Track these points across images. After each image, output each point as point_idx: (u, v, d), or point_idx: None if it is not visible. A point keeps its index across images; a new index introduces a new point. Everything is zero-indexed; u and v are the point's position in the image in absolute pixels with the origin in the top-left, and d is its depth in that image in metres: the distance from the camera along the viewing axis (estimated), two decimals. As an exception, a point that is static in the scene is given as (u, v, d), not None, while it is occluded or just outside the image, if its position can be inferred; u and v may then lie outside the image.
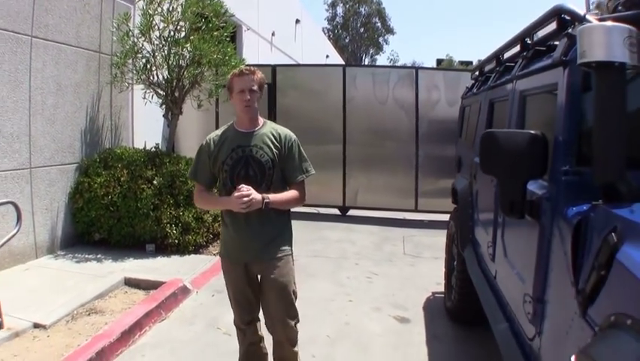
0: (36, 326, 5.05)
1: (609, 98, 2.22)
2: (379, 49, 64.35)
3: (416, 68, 12.12)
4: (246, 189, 3.23)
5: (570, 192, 2.49)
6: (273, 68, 11.81)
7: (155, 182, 7.68)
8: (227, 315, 5.57)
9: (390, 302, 6.23)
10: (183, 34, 8.17)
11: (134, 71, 8.16)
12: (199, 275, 6.78)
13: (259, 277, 3.56)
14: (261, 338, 3.87)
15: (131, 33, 8.02)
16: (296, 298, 3.63)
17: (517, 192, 2.58)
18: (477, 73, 6.17)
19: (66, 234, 7.63)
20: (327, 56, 32.44)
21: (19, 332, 4.87)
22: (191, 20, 8.06)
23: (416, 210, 11.27)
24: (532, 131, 2.55)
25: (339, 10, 63.39)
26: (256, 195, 3.24)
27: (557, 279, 2.45)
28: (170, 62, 8.09)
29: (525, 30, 3.67)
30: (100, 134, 8.48)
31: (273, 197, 3.32)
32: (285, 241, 3.56)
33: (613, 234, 1.97)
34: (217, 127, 11.30)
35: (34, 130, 6.92)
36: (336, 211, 11.68)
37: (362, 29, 62.95)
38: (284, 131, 3.57)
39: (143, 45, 8.13)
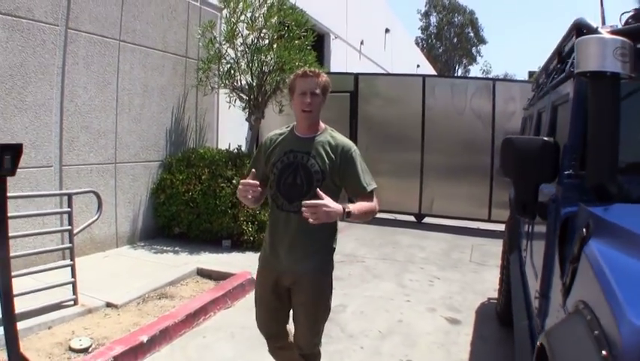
0: (108, 305, 5.40)
1: (602, 106, 2.43)
2: (472, 59, 63.17)
3: (493, 80, 12.09)
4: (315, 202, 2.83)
5: (570, 193, 2.63)
6: (355, 77, 12.05)
7: (234, 181, 7.97)
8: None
9: (446, 304, 6.32)
10: (267, 41, 8.47)
11: (218, 76, 8.53)
12: (268, 269, 6.98)
13: (290, 290, 3.28)
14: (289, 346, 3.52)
15: (215, 40, 8.42)
16: (326, 317, 3.34)
17: (530, 194, 2.79)
18: (534, 85, 6.20)
19: (147, 226, 8.06)
20: (418, 66, 32.24)
21: (92, 309, 5.23)
22: (273, 29, 8.37)
23: (489, 220, 11.19)
24: (545, 138, 2.76)
25: (433, 19, 62.74)
26: (332, 205, 2.82)
27: (555, 274, 2.59)
28: (253, 69, 8.42)
29: (559, 43, 3.83)
30: (184, 134, 8.92)
31: (354, 208, 2.97)
32: (324, 257, 3.24)
33: (584, 229, 2.15)
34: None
35: (120, 128, 7.40)
36: (412, 218, 11.79)
37: (455, 39, 62.02)
38: (343, 141, 3.20)
39: (227, 51, 8.51)
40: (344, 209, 2.87)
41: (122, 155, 7.46)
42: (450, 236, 10.41)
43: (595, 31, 2.67)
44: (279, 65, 8.35)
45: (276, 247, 3.18)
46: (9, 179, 3.59)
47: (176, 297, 5.88)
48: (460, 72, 61.30)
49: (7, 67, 5.57)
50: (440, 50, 62.43)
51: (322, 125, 3.24)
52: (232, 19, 8.32)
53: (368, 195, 3.15)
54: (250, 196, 2.98)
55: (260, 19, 8.35)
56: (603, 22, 3.29)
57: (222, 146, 9.56)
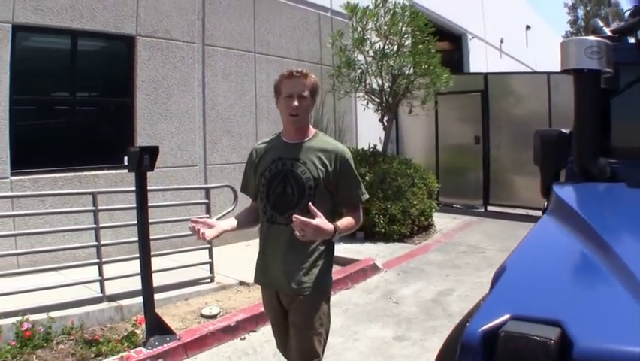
0: (241, 283, 6.14)
1: (582, 98, 2.94)
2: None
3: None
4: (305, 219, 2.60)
5: (570, 177, 3.04)
6: (485, 76, 12.05)
7: (367, 178, 8.44)
8: (404, 289, 6.20)
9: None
10: (396, 47, 8.90)
11: (349, 81, 9.10)
12: (393, 259, 7.41)
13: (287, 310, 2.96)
14: None
15: (345, 48, 9.00)
16: (322, 341, 2.93)
17: (550, 180, 3.17)
18: None
19: (290, 220, 8.79)
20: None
21: (225, 285, 6.01)
22: (399, 35, 8.80)
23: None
24: (562, 130, 3.19)
25: (580, 12, 58.49)
26: (324, 226, 2.62)
27: None
28: (383, 73, 8.89)
29: None
30: (323, 136, 9.55)
31: (342, 225, 2.78)
32: (319, 274, 2.83)
33: (546, 204, 2.57)
34: (437, 131, 11.93)
35: (260, 131, 8.22)
36: (539, 213, 11.32)
37: (604, 31, 57.55)
38: (336, 146, 2.92)
39: (357, 57, 9.06)
40: (335, 229, 2.68)
41: (262, 156, 8.26)
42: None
43: (600, 30, 3.30)
44: (403, 70, 8.76)
45: (269, 265, 2.88)
46: (160, 176, 4.41)
47: (304, 279, 6.47)
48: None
49: (151, 81, 6.57)
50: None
51: (312, 129, 2.95)
52: (359, 27, 8.84)
53: (357, 205, 2.94)
54: (203, 237, 2.66)
55: (383, 27, 8.78)
56: (608, 24, 3.70)
57: (361, 145, 10.07)
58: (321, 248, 2.84)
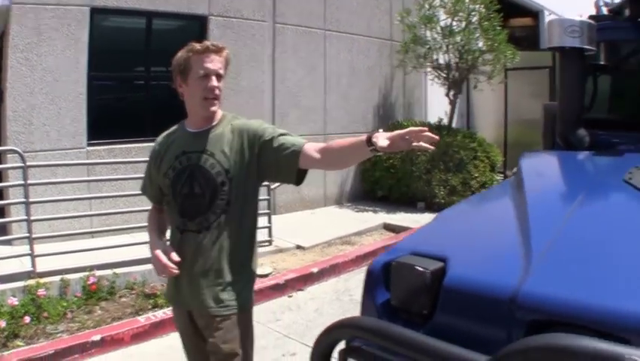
0: (298, 247, 6.70)
1: (564, 74, 3.18)
2: None
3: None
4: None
5: (554, 146, 3.41)
6: (553, 52, 11.75)
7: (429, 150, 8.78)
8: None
9: None
10: (464, 23, 9.10)
11: (416, 57, 9.38)
12: (450, 227, 7.73)
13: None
14: None
15: (412, 25, 9.27)
16: None
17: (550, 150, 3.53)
18: None
19: (354, 189, 9.30)
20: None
21: (283, 249, 6.58)
22: (466, 12, 9.01)
23: None
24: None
25: None
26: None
27: None
28: (450, 49, 9.15)
29: None
30: (392, 109, 9.95)
31: (340, 142, 2.31)
32: (240, 289, 2.39)
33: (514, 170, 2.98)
34: (506, 105, 11.92)
35: (329, 104, 8.71)
36: None
37: None
38: (247, 123, 2.41)
39: (425, 34, 9.33)
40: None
41: (330, 127, 8.77)
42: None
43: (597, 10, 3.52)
44: (470, 46, 8.99)
45: (180, 280, 2.39)
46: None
47: (357, 244, 6.97)
48: None
49: (222, 58, 7.17)
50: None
51: (220, 112, 2.43)
52: (425, 5, 9.11)
53: (309, 146, 2.28)
54: (172, 272, 2.30)
55: (449, 4, 9.00)
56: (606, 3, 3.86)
57: (431, 119, 10.35)
58: (240, 258, 2.40)
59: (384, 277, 2.12)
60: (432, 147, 2.01)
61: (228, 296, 2.34)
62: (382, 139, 2.00)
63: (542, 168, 3.04)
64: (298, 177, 2.33)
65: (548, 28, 3.16)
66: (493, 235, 2.25)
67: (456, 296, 1.87)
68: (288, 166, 2.29)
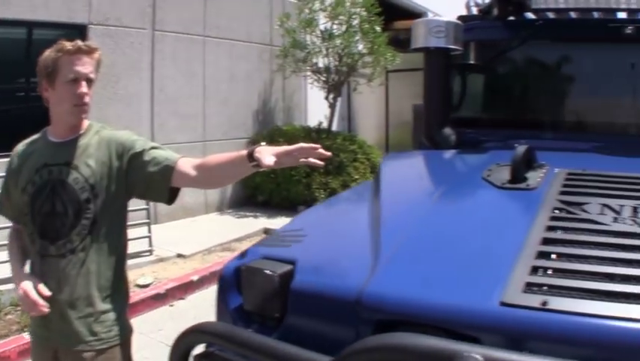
0: (179, 255, 6.74)
1: (429, 74, 3.28)
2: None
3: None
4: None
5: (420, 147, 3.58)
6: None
7: (309, 153, 9.05)
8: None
9: None
10: (344, 27, 9.41)
11: (294, 61, 9.60)
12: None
13: None
14: None
15: (292, 29, 9.47)
16: None
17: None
18: None
19: (235, 196, 9.42)
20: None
21: (164, 258, 6.60)
22: (346, 15, 9.34)
23: None
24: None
25: None
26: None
27: None
28: (329, 53, 9.46)
29: None
30: (272, 114, 10.14)
31: (215, 158, 2.18)
32: (115, 318, 2.16)
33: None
34: (387, 107, 12.42)
35: (208, 111, 8.77)
36: None
37: None
38: (115, 133, 2.19)
39: (305, 38, 9.56)
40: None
41: (210, 134, 8.82)
42: None
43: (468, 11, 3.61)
44: (350, 50, 9.31)
45: (48, 314, 2.04)
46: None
47: (237, 250, 7.07)
48: None
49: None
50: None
51: (86, 121, 2.19)
52: (305, 9, 9.36)
53: (182, 161, 2.11)
54: (36, 313, 2.03)
55: (328, 8, 9.29)
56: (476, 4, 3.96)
57: (311, 123, 10.60)
58: (114, 282, 2.16)
59: (237, 282, 2.15)
60: (322, 163, 1.94)
61: (102, 328, 2.10)
62: (267, 156, 1.86)
63: (403, 169, 3.10)
64: (170, 196, 2.14)
65: (414, 29, 3.18)
66: (344, 237, 2.29)
67: (304, 299, 1.89)
68: (160, 183, 2.10)
